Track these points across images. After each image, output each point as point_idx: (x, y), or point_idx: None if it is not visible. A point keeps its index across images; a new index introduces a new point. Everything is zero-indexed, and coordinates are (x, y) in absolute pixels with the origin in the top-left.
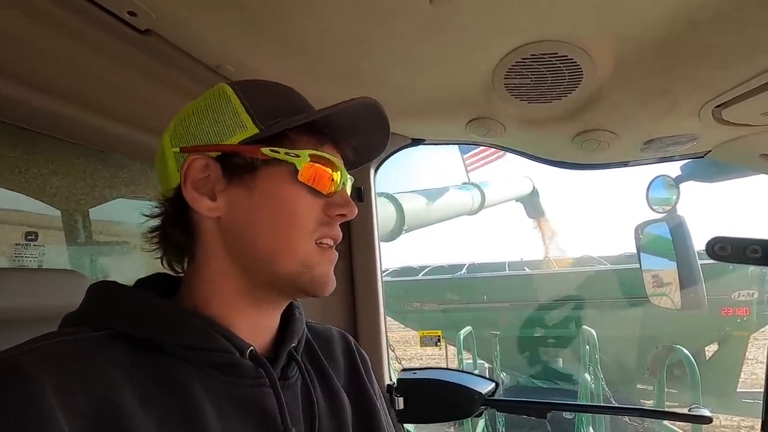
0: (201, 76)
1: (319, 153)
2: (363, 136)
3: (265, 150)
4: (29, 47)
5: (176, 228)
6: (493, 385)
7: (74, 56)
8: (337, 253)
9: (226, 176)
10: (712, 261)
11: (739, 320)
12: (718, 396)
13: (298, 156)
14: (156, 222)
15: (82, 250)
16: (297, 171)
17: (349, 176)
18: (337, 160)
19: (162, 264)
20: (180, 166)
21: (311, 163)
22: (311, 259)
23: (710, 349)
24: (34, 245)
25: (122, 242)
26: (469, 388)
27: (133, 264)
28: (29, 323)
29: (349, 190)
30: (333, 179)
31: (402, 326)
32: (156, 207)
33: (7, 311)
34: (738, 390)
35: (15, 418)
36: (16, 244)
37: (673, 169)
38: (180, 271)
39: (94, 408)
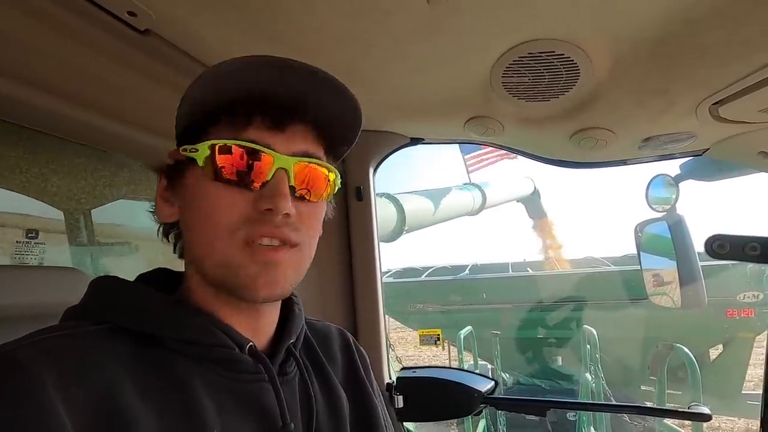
0: None
1: (224, 141)
2: (316, 107)
3: (180, 149)
4: (30, 47)
5: (168, 232)
6: (493, 383)
7: (74, 56)
8: (285, 253)
9: (169, 182)
10: (717, 262)
11: (744, 321)
12: (723, 397)
13: (196, 150)
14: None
15: (82, 250)
16: (202, 167)
17: (307, 160)
18: (265, 146)
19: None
20: None
21: (215, 155)
22: (233, 260)
23: (715, 351)
24: (35, 243)
25: (123, 242)
26: (469, 386)
27: (133, 262)
28: (30, 320)
29: (319, 177)
30: (256, 168)
31: (407, 327)
32: (150, 211)
33: (9, 308)
34: (743, 392)
35: (14, 412)
36: (17, 242)
37: (672, 167)
38: None
39: (95, 401)
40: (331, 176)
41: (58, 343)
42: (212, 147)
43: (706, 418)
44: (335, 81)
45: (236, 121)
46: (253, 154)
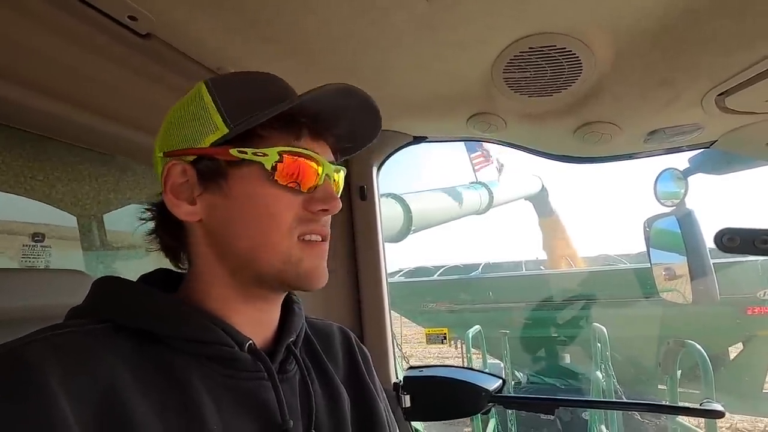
0: (201, 78)
1: (292, 148)
2: (347, 122)
3: (233, 151)
4: (32, 52)
5: (165, 231)
6: (501, 382)
7: (77, 60)
8: (326, 247)
9: (201, 180)
10: (736, 258)
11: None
12: (743, 397)
13: (265, 155)
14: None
15: (85, 254)
16: (267, 170)
17: (336, 167)
18: (317, 154)
19: (171, 261)
20: (161, 171)
21: (283, 161)
22: (294, 254)
23: (735, 350)
24: (41, 246)
25: (128, 246)
26: (476, 385)
27: (137, 264)
28: (36, 322)
29: (341, 182)
30: (310, 174)
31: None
32: (146, 209)
33: (15, 311)
34: (765, 391)
35: (19, 407)
36: (23, 245)
37: (681, 161)
38: (183, 267)
39: (98, 396)
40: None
41: (63, 340)
42: (281, 153)
43: (719, 415)
44: (370, 100)
45: (289, 131)
46: (310, 162)
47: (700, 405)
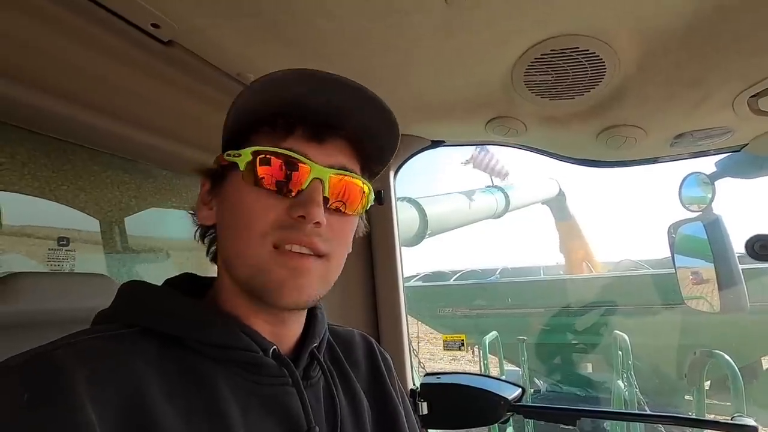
0: (222, 84)
1: (266, 148)
2: (352, 122)
3: (225, 155)
4: (57, 59)
5: (203, 237)
6: (520, 390)
7: (101, 67)
8: (312, 262)
9: (211, 186)
10: (761, 265)
11: None
12: None
13: (239, 155)
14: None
15: (106, 257)
16: (241, 172)
17: (337, 171)
18: (304, 156)
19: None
20: None
21: (255, 162)
22: (263, 263)
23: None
24: (66, 250)
25: (151, 249)
26: (495, 393)
27: (157, 267)
28: (61, 324)
29: (348, 189)
30: (293, 176)
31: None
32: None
33: (40, 313)
34: None
35: (46, 411)
36: (49, 249)
37: (707, 165)
38: None
39: (123, 400)
40: (366, 189)
41: (89, 345)
42: (254, 153)
43: (753, 430)
44: (378, 100)
45: (277, 131)
46: (291, 163)
47: (731, 419)
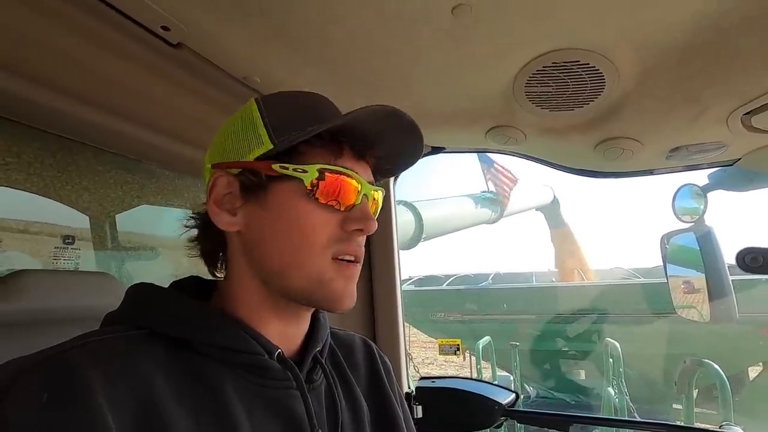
0: (229, 87)
1: (332, 167)
2: (389, 143)
3: (276, 166)
4: (68, 59)
5: (207, 239)
6: (513, 395)
7: (111, 68)
8: (358, 269)
9: (243, 192)
10: (753, 276)
11: None
12: (764, 419)
13: (305, 171)
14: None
15: (110, 255)
16: (306, 187)
17: (375, 188)
18: (356, 173)
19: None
20: (208, 182)
21: (322, 178)
22: (324, 274)
23: (754, 370)
24: (71, 249)
25: (150, 248)
26: (489, 398)
27: (160, 267)
28: (65, 323)
29: (380, 202)
30: (349, 193)
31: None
32: (191, 217)
33: (44, 312)
34: None
35: (62, 413)
36: (55, 247)
37: (700, 177)
38: (218, 275)
39: (137, 400)
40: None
41: (103, 346)
42: (320, 170)
43: None
44: (415, 126)
45: (330, 149)
46: (348, 181)
47: (720, 427)
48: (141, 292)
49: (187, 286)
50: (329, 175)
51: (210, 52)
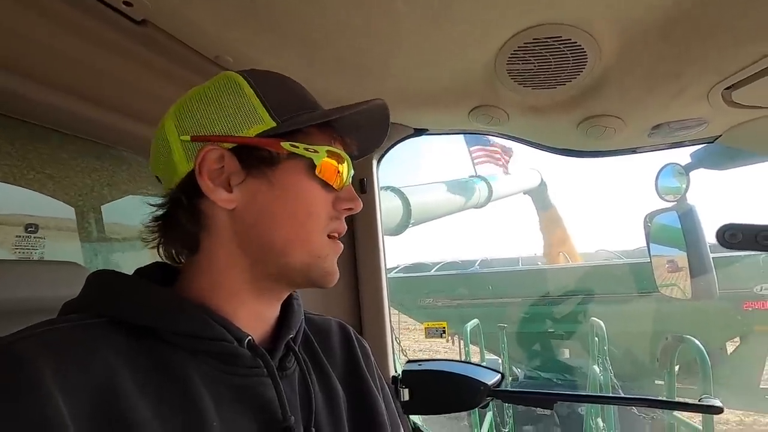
0: (199, 66)
1: (332, 149)
2: (365, 132)
3: (285, 144)
4: (24, 39)
5: (189, 221)
6: (499, 376)
7: (71, 48)
8: (342, 245)
9: (243, 168)
10: (732, 253)
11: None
12: (740, 392)
13: (316, 152)
14: (159, 211)
15: (85, 247)
16: (314, 166)
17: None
18: (345, 156)
19: (159, 253)
20: (192, 155)
21: (327, 159)
22: (322, 250)
23: (732, 345)
24: (35, 237)
25: (126, 238)
26: (475, 379)
27: (134, 256)
28: (30, 314)
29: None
30: (342, 174)
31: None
32: (163, 196)
33: (8, 302)
34: (762, 386)
35: (13, 404)
36: (16, 236)
37: (683, 156)
38: (180, 261)
39: (93, 391)
40: None
41: (56, 335)
42: (329, 152)
43: (717, 410)
44: (388, 118)
45: (326, 133)
46: (343, 163)
47: (699, 400)
48: (102, 279)
49: (150, 272)
50: (332, 157)
51: (177, 30)
